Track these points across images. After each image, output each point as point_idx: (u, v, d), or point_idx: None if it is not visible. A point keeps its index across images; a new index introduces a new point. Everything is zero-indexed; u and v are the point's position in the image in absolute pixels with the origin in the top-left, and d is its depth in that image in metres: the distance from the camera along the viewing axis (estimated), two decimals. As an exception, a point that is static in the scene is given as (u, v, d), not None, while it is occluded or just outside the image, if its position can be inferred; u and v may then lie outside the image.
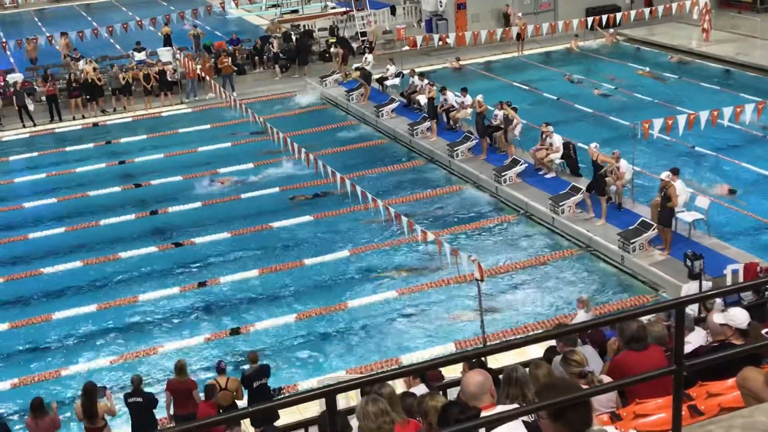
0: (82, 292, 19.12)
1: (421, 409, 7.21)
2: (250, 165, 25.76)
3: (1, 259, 20.86)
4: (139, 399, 13.02)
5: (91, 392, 12.69)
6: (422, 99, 27.58)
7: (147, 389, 13.71)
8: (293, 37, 35.58)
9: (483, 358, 11.66)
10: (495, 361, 12.78)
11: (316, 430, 9.38)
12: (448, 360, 8.05)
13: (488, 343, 15.24)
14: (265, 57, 35.25)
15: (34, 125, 30.60)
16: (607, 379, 8.17)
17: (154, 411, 13.19)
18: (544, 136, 22.62)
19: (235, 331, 17.13)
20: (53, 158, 27.93)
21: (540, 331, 15.70)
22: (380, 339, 16.67)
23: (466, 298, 17.65)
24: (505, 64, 35.13)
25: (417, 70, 30.54)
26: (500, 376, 7.35)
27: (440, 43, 35.07)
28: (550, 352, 9.79)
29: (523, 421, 6.04)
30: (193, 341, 16.94)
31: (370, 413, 5.78)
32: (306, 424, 10.83)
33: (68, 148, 28.63)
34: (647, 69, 32.10)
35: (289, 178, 24.48)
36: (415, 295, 18.03)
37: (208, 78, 31.78)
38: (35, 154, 28.46)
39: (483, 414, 5.94)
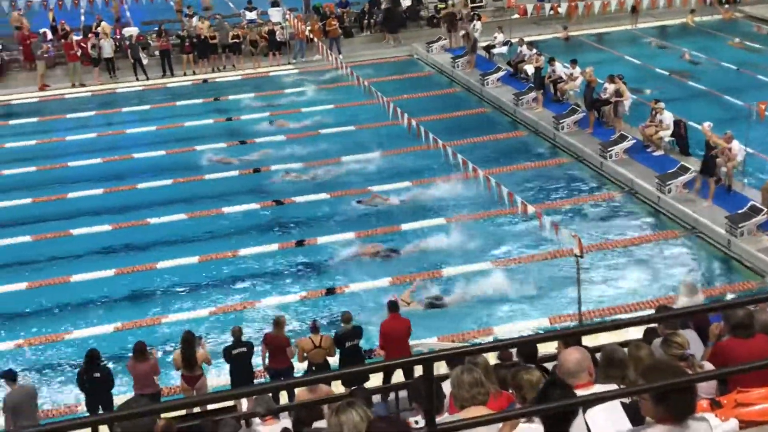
0: (186, 243, 19.59)
1: (515, 381, 7.13)
2: (352, 128, 25.85)
3: (110, 208, 21.51)
4: (243, 349, 13.30)
5: (190, 341, 13.05)
6: (529, 69, 27.14)
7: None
8: (383, 5, 35.26)
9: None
10: (591, 340, 12.56)
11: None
12: (546, 336, 8.02)
13: (584, 321, 15.03)
14: (372, 20, 35.19)
15: (147, 79, 31.36)
16: (708, 364, 7.93)
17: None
18: (654, 112, 21.99)
19: (330, 291, 17.31)
20: (163, 112, 28.60)
21: (640, 312, 15.37)
22: (473, 309, 16.60)
23: (563, 274, 17.39)
24: (618, 36, 34.19)
25: (526, 39, 30.01)
26: (597, 355, 7.23)
27: (551, 12, 34.35)
28: (650, 334, 9.56)
29: (621, 402, 5.92)
30: (288, 299, 17.20)
31: (465, 382, 5.74)
32: (396, 387, 10.88)
33: (178, 103, 29.25)
34: (737, 39, 30.99)
35: (391, 142, 24.46)
36: (512, 267, 17.86)
37: (316, 40, 31.96)
38: (147, 107, 29.19)
39: (579, 392, 5.85)
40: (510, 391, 7.54)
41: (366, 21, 35.27)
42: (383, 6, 35.09)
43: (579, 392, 5.81)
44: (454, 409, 6.28)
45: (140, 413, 5.16)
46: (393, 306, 13.75)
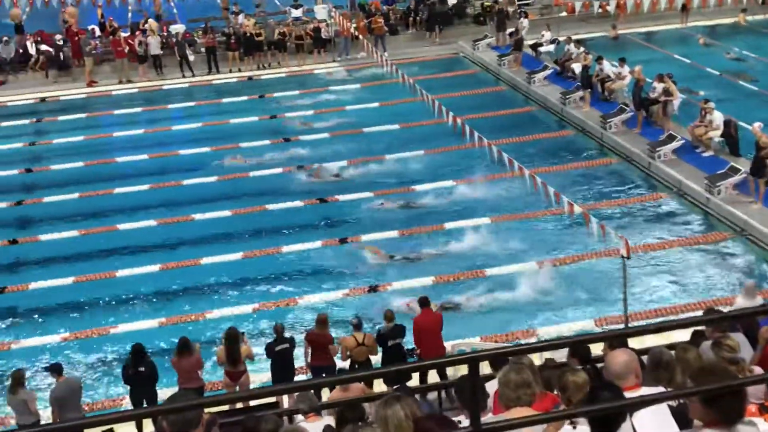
0: (230, 240, 19.68)
1: (561, 383, 7.02)
2: (396, 126, 25.79)
3: (155, 204, 21.69)
4: (286, 345, 13.32)
5: (234, 337, 13.09)
6: (577, 67, 26.86)
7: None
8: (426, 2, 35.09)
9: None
10: (637, 342, 12.36)
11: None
12: (592, 338, 7.89)
13: (630, 323, 14.81)
14: (418, 18, 35.08)
15: (193, 75, 31.60)
16: (757, 368, 7.76)
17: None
18: (703, 112, 21.61)
19: (373, 289, 17.28)
20: (209, 109, 28.79)
21: (687, 314, 15.10)
22: (517, 309, 16.45)
23: (609, 275, 17.16)
24: (668, 35, 33.69)
25: (573, 37, 29.71)
26: (643, 357, 7.09)
27: (600, 10, 33.98)
28: (697, 337, 9.37)
29: (669, 405, 5.80)
30: (330, 296, 17.19)
31: (512, 382, 5.64)
32: (442, 386, 10.81)
33: (224, 100, 29.43)
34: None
35: (435, 140, 24.36)
36: (556, 268, 17.67)
37: (361, 37, 31.96)
38: (192, 104, 29.41)
39: (626, 395, 5.74)
40: (555, 392, 7.43)
41: (411, 18, 35.17)
42: (428, 3, 34.97)
43: (626, 395, 5.71)
44: (499, 409, 6.19)
45: (180, 408, 5.14)
46: (424, 301, 13.72)
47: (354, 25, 32.63)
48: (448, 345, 14.81)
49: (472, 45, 32.57)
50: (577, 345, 8.75)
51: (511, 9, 34.01)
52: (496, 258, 18.24)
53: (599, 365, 8.31)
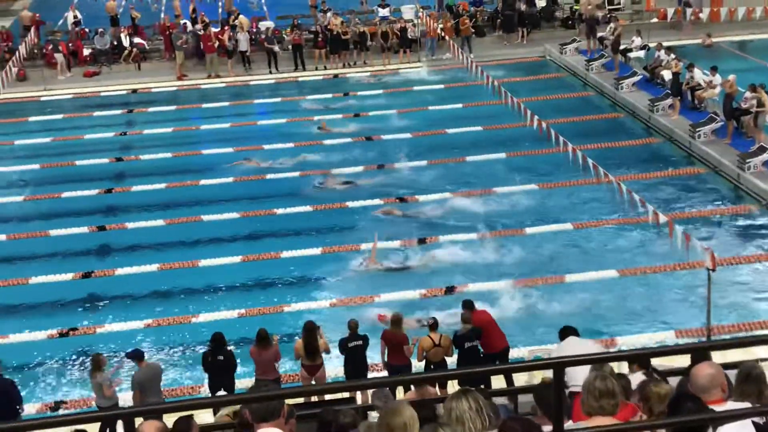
0: (310, 235, 19.86)
1: (643, 393, 6.91)
2: (479, 128, 25.67)
3: (239, 196, 22.03)
4: (359, 342, 13.40)
5: (312, 331, 13.22)
6: (667, 74, 26.32)
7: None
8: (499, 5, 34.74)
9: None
10: (720, 356, 12.07)
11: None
12: (675, 350, 7.74)
13: (713, 336, 14.49)
14: (505, 20, 34.77)
15: (277, 71, 31.98)
16: None
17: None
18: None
19: (449, 290, 17.23)
20: (293, 105, 29.09)
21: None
22: (595, 318, 16.20)
23: (691, 287, 16.79)
24: (763, 44, 32.74)
25: (664, 43, 29.11)
26: (726, 372, 6.92)
27: (692, 17, 33.23)
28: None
29: (753, 422, 5.65)
30: (408, 295, 17.20)
31: (596, 390, 5.57)
32: (516, 391, 10.73)
33: (308, 97, 29.71)
34: None
35: (516, 144, 24.19)
36: (638, 277, 17.37)
37: (447, 38, 31.87)
38: (278, 99, 29.76)
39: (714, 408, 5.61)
40: (635, 402, 7.32)
41: (499, 20, 34.93)
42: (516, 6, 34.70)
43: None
44: (580, 416, 6.12)
45: (261, 397, 5.22)
46: (469, 304, 13.77)
47: (441, 26, 32.57)
48: (525, 350, 14.75)
49: (560, 48, 32.20)
50: (649, 356, 8.65)
51: (600, 14, 33.48)
52: (576, 264, 18.01)
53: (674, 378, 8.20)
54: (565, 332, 10.66)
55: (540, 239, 19.07)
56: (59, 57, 31.79)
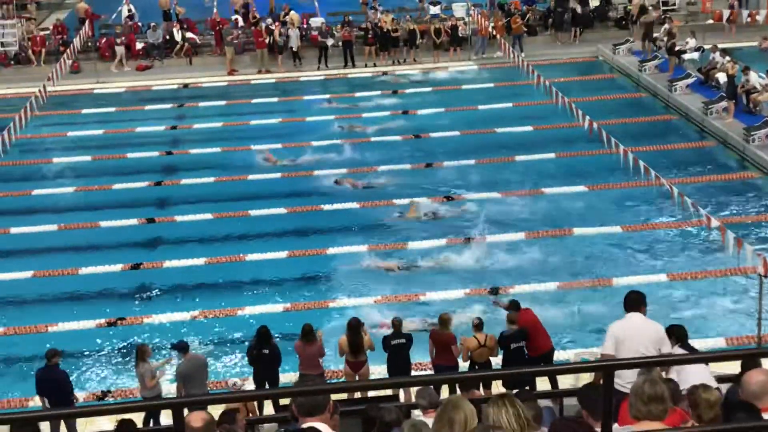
0: (356, 232, 19.87)
1: (692, 399, 6.78)
2: (529, 128, 25.48)
3: (287, 192, 22.10)
4: (402, 340, 13.36)
5: (356, 328, 13.21)
6: (721, 77, 25.87)
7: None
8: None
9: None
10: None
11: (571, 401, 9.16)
12: (726, 356, 7.59)
13: (764, 343, 14.21)
14: (557, 20, 34.46)
15: (327, 67, 32.08)
16: None
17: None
18: None
19: (494, 291, 17.12)
20: (343, 102, 29.12)
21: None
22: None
23: (742, 293, 16.49)
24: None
25: (719, 45, 28.62)
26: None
27: (749, 19, 32.61)
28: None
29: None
30: (452, 294, 17.12)
31: (645, 394, 5.47)
32: (561, 394, 10.61)
33: (357, 94, 29.72)
34: None
35: (567, 144, 23.95)
36: (687, 282, 17.10)
37: (498, 36, 31.71)
38: (327, 96, 29.79)
39: (765, 416, 5.49)
40: (681, 407, 7.20)
41: (551, 20, 34.63)
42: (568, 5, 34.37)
43: (765, 416, 5.47)
44: (626, 419, 6.02)
45: (306, 391, 5.21)
46: (516, 304, 13.63)
47: (492, 24, 32.41)
48: (571, 353, 14.60)
49: (613, 49, 31.81)
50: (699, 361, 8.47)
51: (655, 14, 33.02)
52: (624, 268, 17.78)
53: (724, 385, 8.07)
54: (631, 305, 9.70)
55: (588, 241, 18.88)
56: (120, 49, 32.25)
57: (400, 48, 32.63)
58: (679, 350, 9.70)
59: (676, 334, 10.00)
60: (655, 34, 30.86)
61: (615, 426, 6.31)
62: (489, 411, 5.29)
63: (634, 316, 9.52)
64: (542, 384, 12.53)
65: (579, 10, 33.69)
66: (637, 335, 9.19)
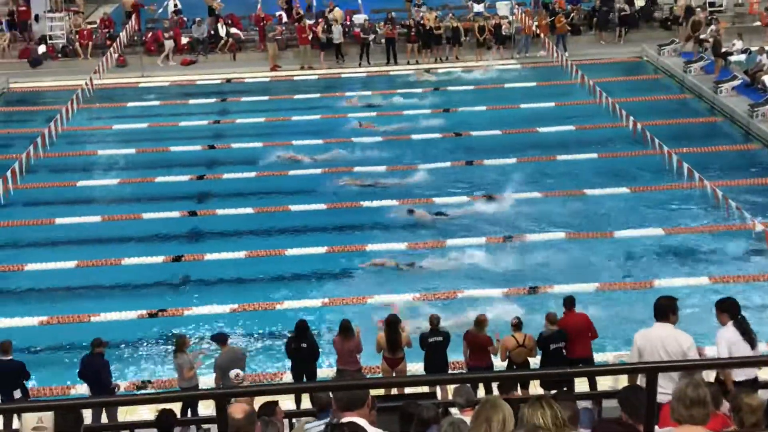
0: (394, 230, 19.84)
1: (734, 404, 6.70)
2: (571, 127, 25.31)
3: (326, 188, 22.14)
4: (440, 338, 13.34)
5: (394, 324, 13.22)
6: (768, 79, 25.51)
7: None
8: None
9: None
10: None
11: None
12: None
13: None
14: (602, 19, 34.15)
15: (369, 64, 32.12)
16: None
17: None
18: None
19: (533, 290, 17.03)
20: (383, 99, 29.11)
21: None
22: (682, 324, 15.73)
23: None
24: None
25: (766, 47, 28.17)
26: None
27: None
28: None
29: None
30: (492, 292, 17.05)
31: (687, 398, 5.41)
32: (601, 395, 10.54)
33: (398, 91, 29.71)
34: None
35: (610, 144, 23.75)
36: (730, 285, 16.85)
37: (542, 35, 31.50)
38: (369, 93, 29.80)
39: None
40: (724, 412, 7.13)
41: (595, 19, 34.35)
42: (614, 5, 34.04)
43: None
44: (666, 422, 5.97)
45: (345, 386, 5.23)
46: (570, 302, 13.45)
47: (536, 23, 32.21)
48: (610, 355, 14.48)
49: (658, 49, 31.46)
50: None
51: (701, 16, 32.60)
52: (666, 270, 17.61)
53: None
54: (659, 313, 9.27)
55: (629, 243, 18.70)
56: (169, 44, 32.61)
57: (442, 46, 32.56)
58: (731, 327, 9.48)
59: (730, 310, 9.74)
60: (701, 36, 30.47)
61: (656, 429, 6.26)
62: (525, 411, 5.27)
63: (659, 327, 9.18)
64: (581, 386, 12.45)
65: (627, 9, 33.35)
66: (659, 346, 8.94)
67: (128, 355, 15.73)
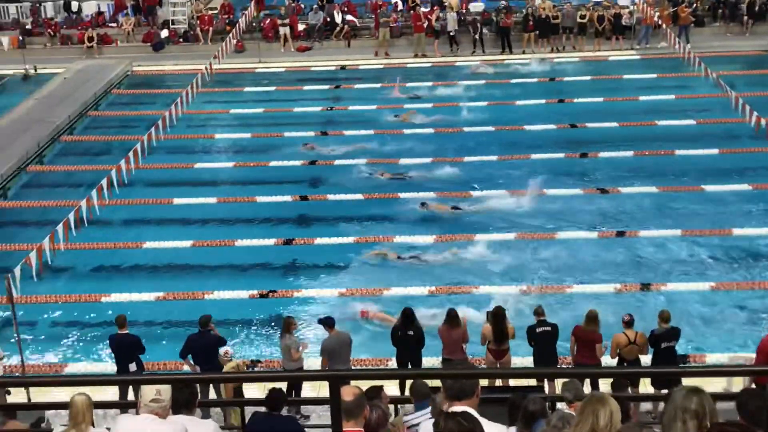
0: (510, 224, 19.62)
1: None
2: (692, 121, 24.54)
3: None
4: (548, 328, 13.16)
5: (500, 316, 13.10)
6: None
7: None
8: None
9: None
10: None
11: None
12: None
13: None
14: (728, 10, 32.99)
15: (483, 53, 31.87)
16: None
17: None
18: None
19: (645, 287, 16.62)
20: (497, 89, 28.77)
21: None
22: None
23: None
24: None
25: None
26: None
27: None
28: None
29: None
30: (603, 288, 16.71)
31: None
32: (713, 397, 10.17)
33: (513, 81, 29.38)
34: None
35: (731, 140, 22.91)
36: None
37: (664, 26, 30.61)
38: (481, 82, 29.41)
39: None
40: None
41: (720, 10, 33.16)
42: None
43: None
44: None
45: (455, 375, 5.19)
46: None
47: (657, 13, 31.33)
48: (723, 357, 14.02)
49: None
50: None
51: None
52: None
53: None
54: None
55: (748, 240, 18.05)
56: (285, 30, 33.18)
57: (559, 35, 32.03)
58: None
59: None
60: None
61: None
62: (583, 407, 5.19)
63: None
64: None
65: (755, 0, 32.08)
66: None
67: (239, 334, 16.06)
